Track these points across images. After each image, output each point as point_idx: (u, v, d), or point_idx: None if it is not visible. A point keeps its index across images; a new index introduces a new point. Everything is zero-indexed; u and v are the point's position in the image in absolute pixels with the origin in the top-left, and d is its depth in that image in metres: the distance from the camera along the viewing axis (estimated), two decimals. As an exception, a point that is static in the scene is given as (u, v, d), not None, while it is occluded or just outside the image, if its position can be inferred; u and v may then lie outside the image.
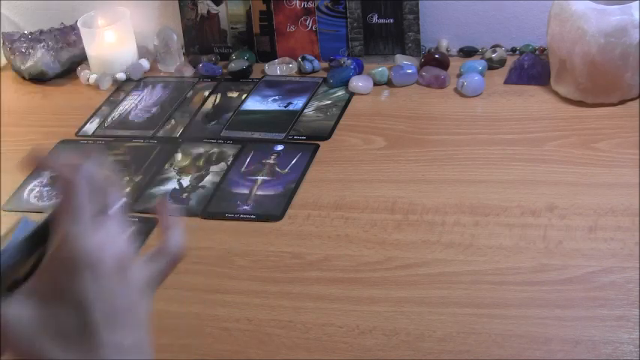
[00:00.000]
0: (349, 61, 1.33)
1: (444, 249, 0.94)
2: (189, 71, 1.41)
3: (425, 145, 1.13)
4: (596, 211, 0.96)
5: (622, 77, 1.14)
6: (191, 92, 1.35)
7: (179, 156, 1.19)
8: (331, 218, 1.01)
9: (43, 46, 1.42)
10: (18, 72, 1.46)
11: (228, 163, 1.15)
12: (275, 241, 0.99)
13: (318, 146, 1.16)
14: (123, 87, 1.40)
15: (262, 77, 1.37)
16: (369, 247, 0.96)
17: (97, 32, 1.42)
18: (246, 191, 1.09)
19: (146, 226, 1.04)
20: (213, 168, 1.14)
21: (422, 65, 1.31)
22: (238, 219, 1.04)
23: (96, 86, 1.41)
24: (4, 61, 1.51)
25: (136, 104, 1.34)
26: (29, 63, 1.43)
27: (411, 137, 1.16)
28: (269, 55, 1.41)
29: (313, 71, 1.37)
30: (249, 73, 1.38)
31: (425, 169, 1.08)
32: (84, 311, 0.54)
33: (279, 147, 1.17)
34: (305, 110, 1.26)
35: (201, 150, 1.19)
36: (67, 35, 1.45)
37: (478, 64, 1.29)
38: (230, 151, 1.18)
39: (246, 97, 1.31)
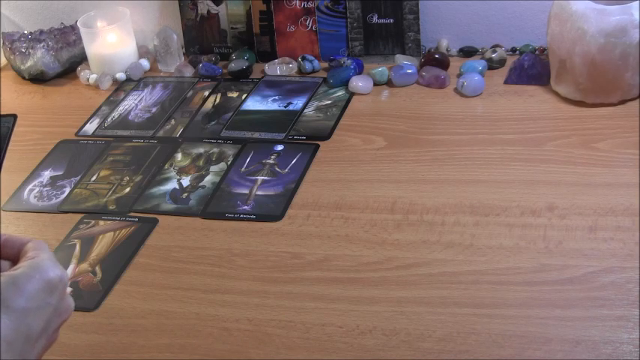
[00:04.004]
0: (349, 61, 1.33)
1: (444, 249, 0.94)
2: (189, 71, 1.41)
3: (425, 145, 1.13)
4: (596, 211, 0.96)
5: (622, 77, 1.14)
6: (191, 92, 1.35)
7: (179, 156, 1.19)
8: (331, 218, 1.01)
9: (43, 46, 1.43)
10: (18, 72, 1.46)
11: (228, 163, 1.15)
12: (275, 241, 0.99)
13: (318, 146, 1.16)
14: (123, 87, 1.40)
15: (262, 77, 1.37)
16: (369, 247, 0.96)
17: (97, 32, 1.42)
18: (246, 191, 1.09)
19: (146, 226, 1.04)
20: (213, 168, 1.14)
21: (422, 65, 1.31)
22: (238, 219, 1.04)
23: (96, 86, 1.41)
24: (4, 61, 1.51)
25: (136, 104, 1.34)
26: (29, 63, 1.43)
27: (411, 137, 1.16)
28: (269, 55, 1.41)
29: (313, 71, 1.37)
30: (249, 73, 1.38)
31: (425, 169, 1.08)
32: None
33: (279, 147, 1.17)
34: (305, 110, 1.26)
35: (201, 150, 1.19)
36: (67, 35, 1.45)
37: (478, 64, 1.29)
38: (230, 151, 1.18)
39: (246, 97, 1.31)
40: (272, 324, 0.87)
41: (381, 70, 1.30)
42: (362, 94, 1.28)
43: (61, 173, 1.18)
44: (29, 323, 0.61)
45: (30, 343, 0.61)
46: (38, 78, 1.44)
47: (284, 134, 1.20)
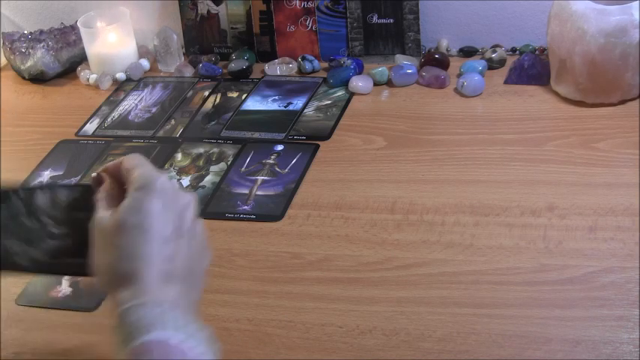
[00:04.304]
0: (349, 61, 1.33)
1: (443, 249, 0.94)
2: (189, 71, 1.41)
3: (425, 145, 1.13)
4: (596, 211, 0.96)
5: (622, 77, 1.14)
6: (191, 92, 1.35)
7: (179, 156, 1.19)
8: (331, 218, 1.01)
9: (43, 46, 1.43)
10: (18, 72, 1.46)
11: (228, 163, 1.15)
12: (275, 241, 0.99)
13: (318, 146, 1.16)
14: (123, 87, 1.40)
15: (262, 77, 1.37)
16: (369, 247, 0.96)
17: (97, 32, 1.42)
18: (246, 191, 1.09)
19: (146, 226, 1.04)
20: (213, 168, 1.14)
21: (422, 65, 1.31)
22: (238, 219, 1.04)
23: (96, 86, 1.41)
24: (4, 61, 1.51)
25: (136, 104, 1.34)
26: (29, 63, 1.43)
27: (411, 137, 1.16)
28: (269, 55, 1.41)
29: (313, 71, 1.37)
30: (249, 73, 1.38)
31: (425, 169, 1.08)
32: None
33: (279, 147, 1.17)
34: (305, 110, 1.26)
35: (201, 150, 1.19)
36: (67, 35, 1.45)
37: (478, 64, 1.29)
38: (230, 151, 1.18)
39: (246, 97, 1.31)
40: (272, 324, 0.87)
41: (381, 70, 1.30)
42: (362, 94, 1.28)
43: (61, 173, 1.18)
44: (160, 229, 0.69)
45: (167, 245, 0.69)
46: (38, 78, 1.44)
47: (284, 134, 1.20)
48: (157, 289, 0.68)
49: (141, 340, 0.64)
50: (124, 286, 0.67)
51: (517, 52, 1.34)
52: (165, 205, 0.70)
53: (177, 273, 0.70)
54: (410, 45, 1.35)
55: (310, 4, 1.37)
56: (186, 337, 0.65)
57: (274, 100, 1.30)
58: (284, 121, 1.23)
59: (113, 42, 1.42)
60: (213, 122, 1.26)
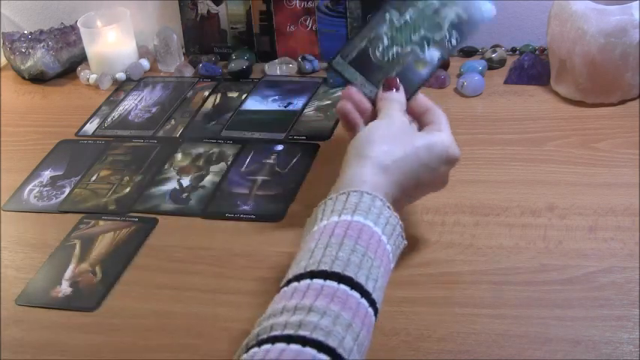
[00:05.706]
0: (349, 61, 1.33)
1: (443, 249, 0.94)
2: (189, 71, 1.41)
3: (425, 145, 1.13)
4: (596, 211, 0.96)
5: (622, 77, 1.14)
6: (191, 92, 1.35)
7: (179, 156, 1.19)
8: (331, 218, 1.01)
9: (43, 46, 1.43)
10: (18, 72, 1.46)
11: (228, 163, 1.15)
12: (275, 241, 0.99)
13: (318, 146, 1.16)
14: (123, 87, 1.40)
15: (262, 77, 1.37)
16: (369, 247, 0.95)
17: (97, 32, 1.42)
18: (246, 191, 1.09)
19: (146, 226, 1.04)
20: (213, 168, 1.14)
21: (422, 65, 1.31)
22: (238, 219, 1.04)
23: (96, 86, 1.41)
24: (4, 61, 1.51)
25: (136, 104, 1.34)
26: (29, 63, 1.43)
27: (411, 137, 1.15)
28: (269, 55, 1.41)
29: (313, 71, 1.37)
30: (249, 73, 1.38)
31: (425, 169, 1.08)
32: None
33: (279, 147, 1.17)
34: (305, 110, 1.26)
35: (201, 150, 1.19)
36: (67, 35, 1.46)
37: (478, 64, 1.29)
38: (230, 151, 1.18)
39: (246, 97, 1.31)
40: (272, 324, 0.86)
41: (381, 70, 1.30)
42: (362, 94, 1.28)
43: (61, 173, 1.18)
44: (418, 176, 0.85)
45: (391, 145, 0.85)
46: (38, 78, 1.44)
47: (284, 134, 1.20)
48: (374, 177, 0.81)
49: (345, 217, 0.76)
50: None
51: (517, 52, 1.34)
52: (438, 167, 0.86)
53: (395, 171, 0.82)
54: (410, 45, 1.35)
55: (310, 4, 1.37)
56: (382, 231, 0.76)
57: (274, 100, 1.30)
58: (284, 121, 1.23)
59: (113, 42, 1.42)
60: (213, 122, 1.26)
